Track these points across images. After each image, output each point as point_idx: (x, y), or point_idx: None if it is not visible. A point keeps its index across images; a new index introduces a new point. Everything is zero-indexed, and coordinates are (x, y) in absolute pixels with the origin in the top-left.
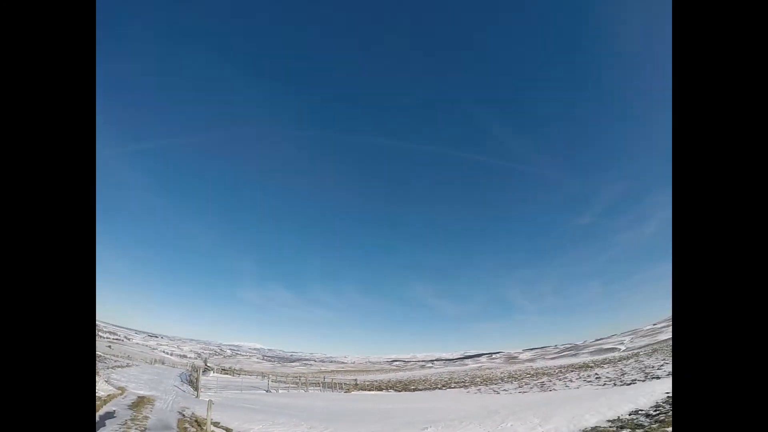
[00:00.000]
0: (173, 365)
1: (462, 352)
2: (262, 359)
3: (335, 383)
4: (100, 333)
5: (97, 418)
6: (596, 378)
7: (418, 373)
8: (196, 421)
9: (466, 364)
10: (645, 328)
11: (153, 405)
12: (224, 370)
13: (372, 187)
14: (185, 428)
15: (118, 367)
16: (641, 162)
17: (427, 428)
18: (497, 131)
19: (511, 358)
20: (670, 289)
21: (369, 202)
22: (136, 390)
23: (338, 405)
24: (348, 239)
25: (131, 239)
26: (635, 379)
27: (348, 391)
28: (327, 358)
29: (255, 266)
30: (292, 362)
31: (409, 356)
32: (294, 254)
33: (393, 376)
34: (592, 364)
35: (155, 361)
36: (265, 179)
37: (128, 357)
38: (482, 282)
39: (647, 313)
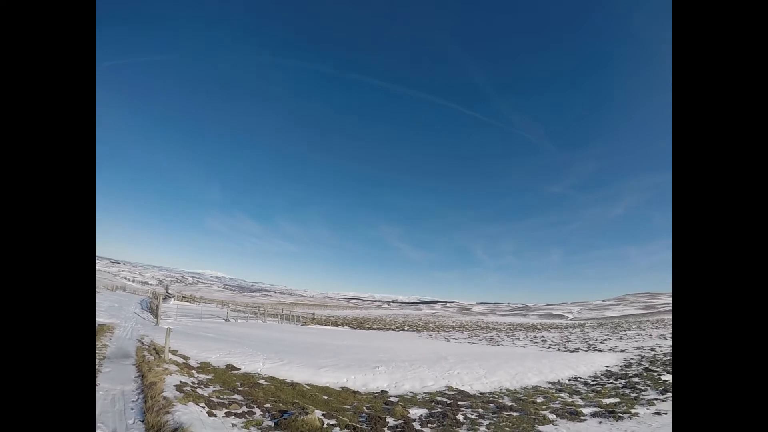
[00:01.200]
0: (134, 292)
1: (418, 297)
2: (223, 288)
3: (293, 316)
4: None
5: None
6: (542, 340)
7: (374, 313)
8: (154, 349)
9: (421, 309)
10: (594, 302)
11: (113, 333)
12: (185, 297)
13: (349, 123)
14: (143, 356)
15: None
16: (620, 145)
17: (378, 367)
18: (484, 86)
19: (464, 309)
20: (625, 271)
21: (345, 139)
22: (96, 318)
23: (295, 338)
24: (319, 173)
25: None
26: (578, 348)
27: (305, 324)
28: (287, 290)
29: (222, 194)
30: (253, 292)
31: (366, 295)
32: (263, 184)
33: (350, 313)
34: (540, 327)
35: (116, 287)
36: (236, 107)
37: None
38: (447, 232)
39: (599, 289)
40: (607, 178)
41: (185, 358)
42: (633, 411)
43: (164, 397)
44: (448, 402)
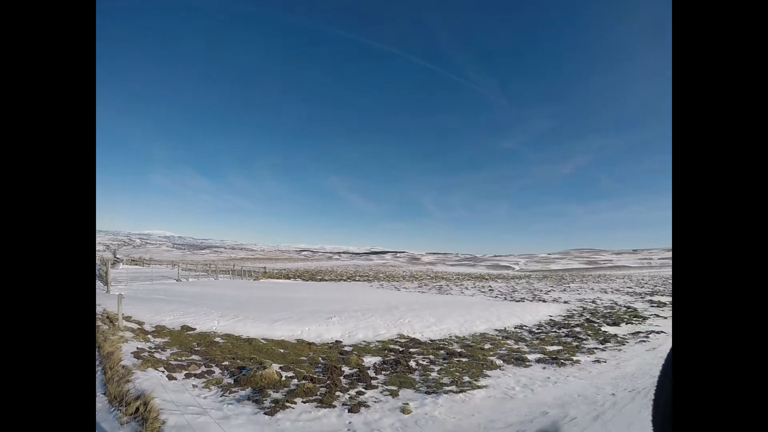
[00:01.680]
0: None
1: (369, 248)
2: (173, 247)
3: (245, 271)
4: None
5: None
6: (490, 290)
7: (326, 264)
8: (107, 317)
9: (372, 260)
10: (539, 255)
11: None
12: (134, 260)
13: (300, 77)
14: (97, 326)
15: None
16: (573, 107)
17: (331, 318)
18: (442, 38)
19: (414, 259)
20: (570, 227)
21: (297, 92)
22: None
23: (247, 293)
24: (271, 127)
25: None
26: (524, 298)
27: (257, 279)
28: (237, 245)
29: (168, 150)
30: (203, 250)
31: (317, 247)
32: (213, 138)
33: (301, 265)
34: (488, 277)
35: None
36: (181, 58)
37: None
38: (398, 183)
39: (544, 243)
40: (558, 138)
41: (140, 323)
42: (575, 358)
43: (123, 366)
44: (401, 349)
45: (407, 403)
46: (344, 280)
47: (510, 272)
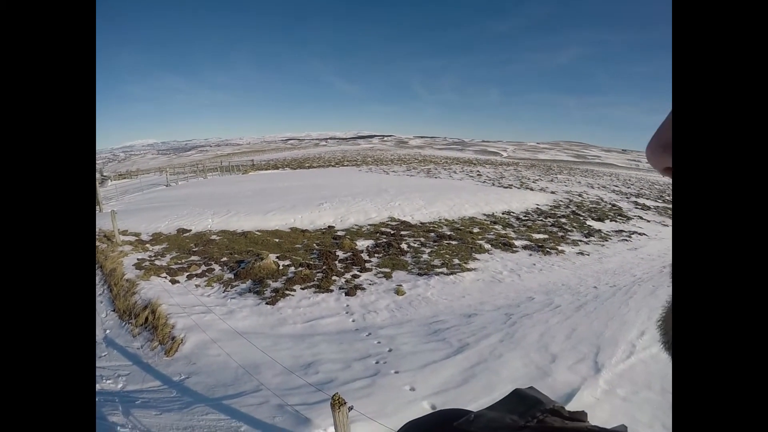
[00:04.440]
0: None
1: (355, 132)
2: (158, 154)
3: (233, 166)
4: None
5: None
6: (478, 175)
7: (313, 152)
8: (104, 236)
9: (359, 144)
10: (528, 144)
11: None
12: (121, 175)
13: None
14: (96, 246)
15: None
16: None
17: (322, 204)
18: None
19: (401, 143)
20: (561, 118)
21: None
22: None
23: (238, 188)
24: (243, 10)
25: None
26: (512, 185)
27: (246, 172)
28: (222, 141)
29: (135, 55)
30: (188, 151)
31: (303, 135)
32: (180, 32)
33: (288, 154)
34: (476, 162)
35: None
36: None
37: None
38: (383, 65)
39: (534, 132)
40: (554, 25)
41: (136, 234)
42: (559, 248)
43: (127, 280)
44: (392, 232)
45: (401, 285)
46: (332, 166)
47: (498, 158)
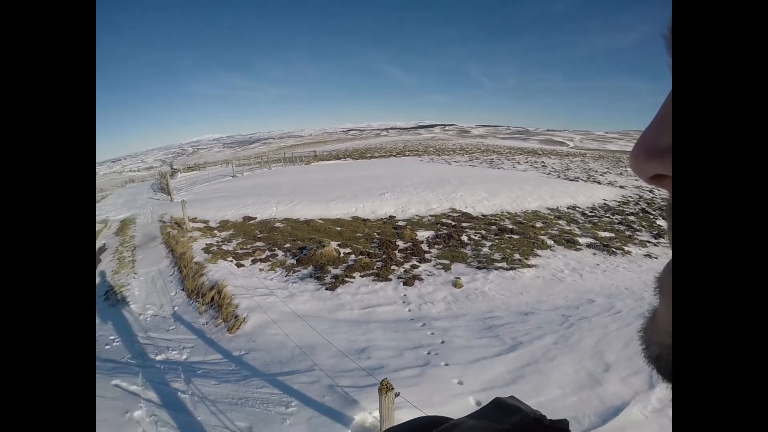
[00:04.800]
0: (143, 179)
1: (416, 122)
2: (223, 147)
3: (295, 157)
4: None
5: None
6: (542, 166)
7: (374, 142)
8: (176, 223)
9: (420, 134)
10: (596, 133)
11: (135, 223)
12: (190, 167)
13: None
14: (168, 233)
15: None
16: None
17: (384, 194)
18: None
19: (463, 132)
20: (631, 105)
21: None
22: (117, 216)
23: (301, 177)
24: (294, 4)
25: None
26: (578, 178)
27: (308, 163)
28: (285, 134)
29: (198, 58)
30: (252, 144)
31: (364, 125)
32: (237, 33)
33: (350, 145)
34: (540, 152)
35: (125, 182)
36: None
37: (101, 189)
38: (437, 52)
39: (602, 120)
40: (622, 1)
41: (205, 221)
42: (626, 248)
43: (196, 263)
44: (453, 224)
45: (459, 278)
46: (394, 156)
47: (564, 148)
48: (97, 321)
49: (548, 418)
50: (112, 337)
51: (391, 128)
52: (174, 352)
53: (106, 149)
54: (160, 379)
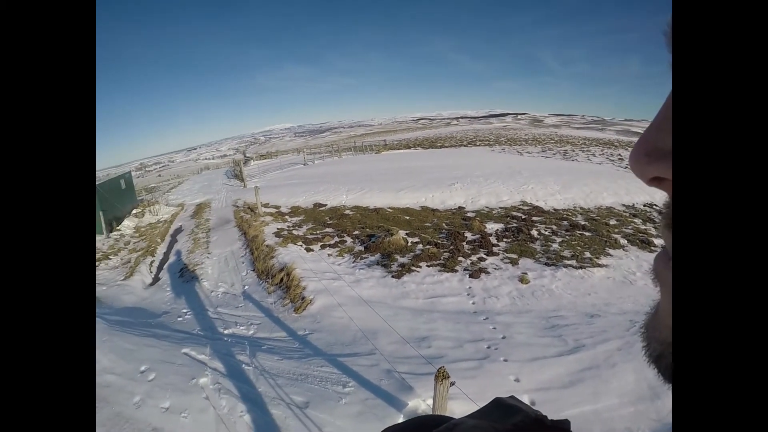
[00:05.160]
0: (217, 167)
1: (487, 111)
2: (294, 136)
3: (365, 146)
4: (147, 168)
5: (168, 238)
6: (619, 159)
7: (444, 131)
8: (249, 208)
9: (491, 123)
10: None
11: (210, 207)
12: (262, 156)
13: None
14: (241, 216)
15: (172, 188)
16: None
17: (454, 184)
18: None
19: (536, 121)
20: None
21: None
22: (193, 201)
23: (371, 166)
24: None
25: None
26: None
27: (378, 152)
28: (355, 123)
29: (266, 51)
30: (323, 133)
31: (434, 114)
32: (301, 25)
33: (420, 134)
34: (618, 144)
35: (201, 169)
36: None
37: (177, 176)
38: (505, 37)
39: None
40: None
41: (276, 207)
42: None
43: (267, 246)
44: (523, 217)
45: (526, 273)
46: (464, 146)
47: None
48: (172, 295)
49: (549, 418)
50: (184, 311)
51: (461, 117)
52: (241, 328)
53: (182, 139)
54: (227, 351)
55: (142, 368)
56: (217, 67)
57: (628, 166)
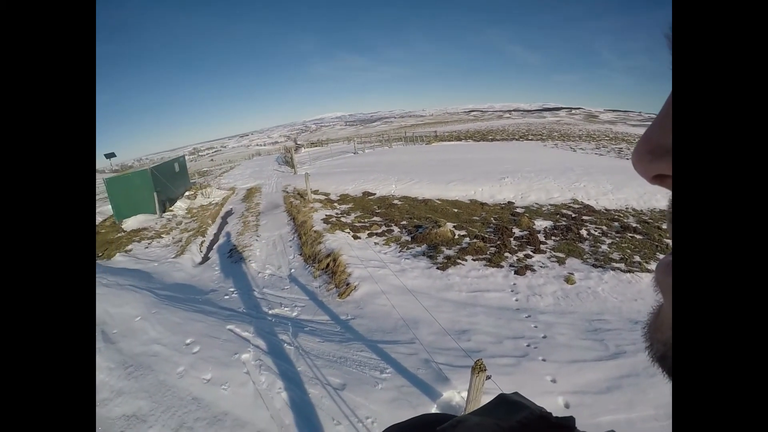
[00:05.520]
0: (268, 153)
1: (540, 104)
2: (345, 125)
3: (416, 137)
4: (200, 153)
5: (219, 220)
6: None
7: (496, 124)
8: (298, 194)
9: (544, 117)
10: None
11: (260, 192)
12: (313, 143)
13: None
14: (291, 202)
15: (224, 172)
16: None
17: (504, 178)
18: None
19: (591, 117)
20: None
21: None
22: (244, 185)
23: (421, 157)
24: None
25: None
26: None
27: (429, 143)
28: (406, 113)
29: (318, 39)
30: (373, 122)
31: (486, 106)
32: (354, 15)
33: (471, 126)
34: None
35: (252, 155)
36: None
37: (229, 161)
38: (561, 27)
39: None
40: None
41: (326, 194)
42: None
43: (315, 231)
44: (573, 216)
45: (572, 273)
46: (516, 140)
47: None
48: (220, 274)
49: (554, 415)
50: (231, 289)
51: (514, 110)
52: (286, 309)
53: (235, 125)
54: (270, 330)
55: (188, 341)
56: (270, 55)
57: (633, 164)
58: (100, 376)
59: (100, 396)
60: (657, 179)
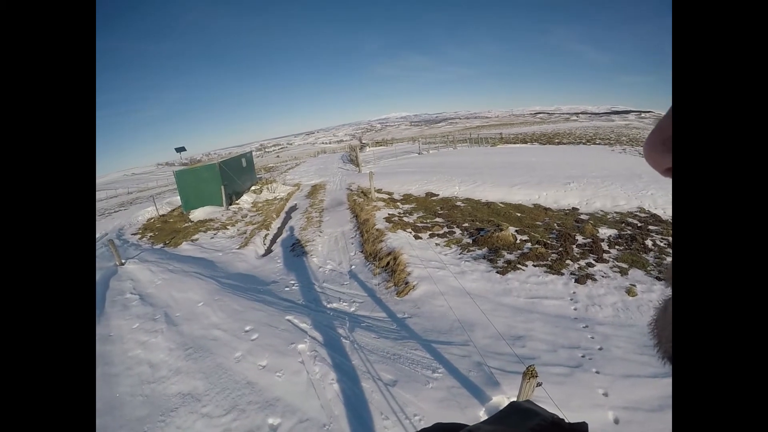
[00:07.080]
0: (333, 151)
1: (609, 107)
2: (410, 125)
3: (481, 138)
4: (266, 149)
5: (283, 214)
6: None
7: (562, 127)
8: (362, 192)
9: (613, 120)
10: None
11: (325, 189)
12: (378, 143)
13: None
14: (354, 200)
15: (289, 168)
16: None
17: (569, 183)
18: None
19: None
20: None
21: None
22: (309, 182)
23: (485, 159)
24: None
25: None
26: None
27: (494, 145)
28: (471, 114)
29: (382, 40)
30: (438, 123)
31: (553, 108)
32: (419, 15)
33: (537, 129)
34: None
35: (317, 153)
36: None
37: (295, 158)
38: (631, 26)
39: None
40: None
41: (389, 193)
42: None
43: (377, 229)
44: (639, 225)
45: (634, 285)
46: (583, 144)
47: None
48: (282, 267)
49: (567, 421)
50: (292, 282)
51: (581, 113)
52: (344, 304)
53: (301, 123)
54: (328, 323)
55: (247, 328)
56: (336, 54)
57: (644, 156)
58: (160, 356)
59: (158, 374)
60: (670, 171)
